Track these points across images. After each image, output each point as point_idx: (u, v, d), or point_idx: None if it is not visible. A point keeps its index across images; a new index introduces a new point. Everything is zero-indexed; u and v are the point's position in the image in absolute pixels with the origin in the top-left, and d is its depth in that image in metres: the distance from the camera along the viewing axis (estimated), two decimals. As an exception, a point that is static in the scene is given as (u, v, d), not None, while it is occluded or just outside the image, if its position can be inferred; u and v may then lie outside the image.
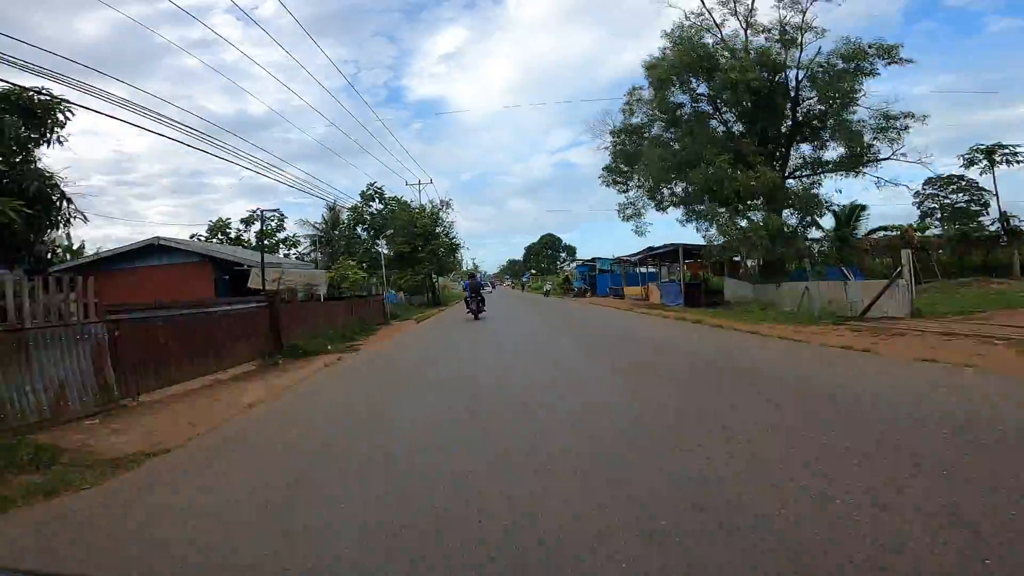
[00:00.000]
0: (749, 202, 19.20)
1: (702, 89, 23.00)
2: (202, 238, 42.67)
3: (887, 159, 20.75)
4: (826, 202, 20.34)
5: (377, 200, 48.23)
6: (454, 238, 39.36)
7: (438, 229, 37.53)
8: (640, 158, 25.51)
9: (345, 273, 17.02)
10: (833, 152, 21.62)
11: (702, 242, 21.44)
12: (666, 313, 17.68)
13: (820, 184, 20.87)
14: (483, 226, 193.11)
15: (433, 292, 39.64)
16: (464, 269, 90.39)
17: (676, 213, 24.35)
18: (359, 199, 46.39)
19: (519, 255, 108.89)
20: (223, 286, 18.96)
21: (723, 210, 18.12)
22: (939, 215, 42.71)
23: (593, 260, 36.51)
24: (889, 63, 19.96)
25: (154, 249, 19.36)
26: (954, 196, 47.92)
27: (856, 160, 20.76)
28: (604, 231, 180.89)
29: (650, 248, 23.43)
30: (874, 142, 20.58)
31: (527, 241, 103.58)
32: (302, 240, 47.45)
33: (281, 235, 46.45)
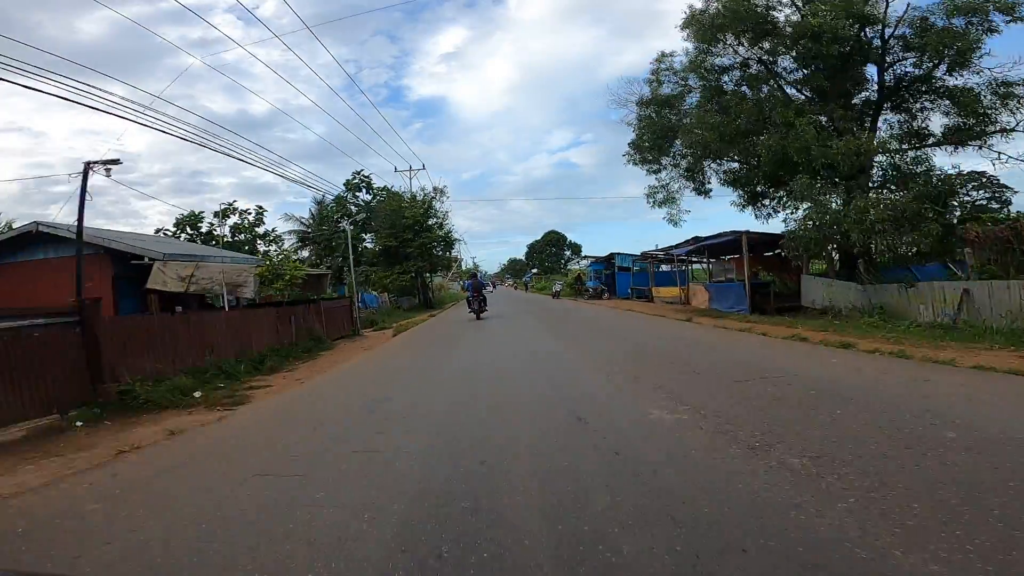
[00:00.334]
0: (848, 181, 14.26)
1: (749, 53, 18.25)
2: (168, 233, 37.54)
3: (1013, 130, 15.84)
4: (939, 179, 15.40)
5: (365, 190, 43.26)
6: (449, 232, 34.14)
7: (431, 221, 32.39)
8: (674, 133, 20.82)
9: (279, 269, 11.71)
10: (935, 123, 16.79)
11: (764, 229, 16.48)
12: (744, 324, 12.52)
13: (930, 161, 15.94)
14: (483, 226, 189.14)
15: (424, 293, 34.38)
16: (464, 268, 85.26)
17: (723, 198, 19.37)
18: (343, 189, 41.46)
19: (519, 254, 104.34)
20: (126, 284, 13.99)
21: (819, 184, 13.11)
22: (958, 212, 38.46)
23: (610, 256, 31.24)
24: (1011, 21, 15.18)
25: (36, 238, 14.34)
26: (974, 193, 43.56)
27: (971, 132, 15.84)
28: (606, 232, 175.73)
29: (697, 238, 18.37)
30: (991, 111, 15.78)
31: (527, 241, 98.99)
32: (286, 237, 42.14)
33: (260, 229, 41.27)
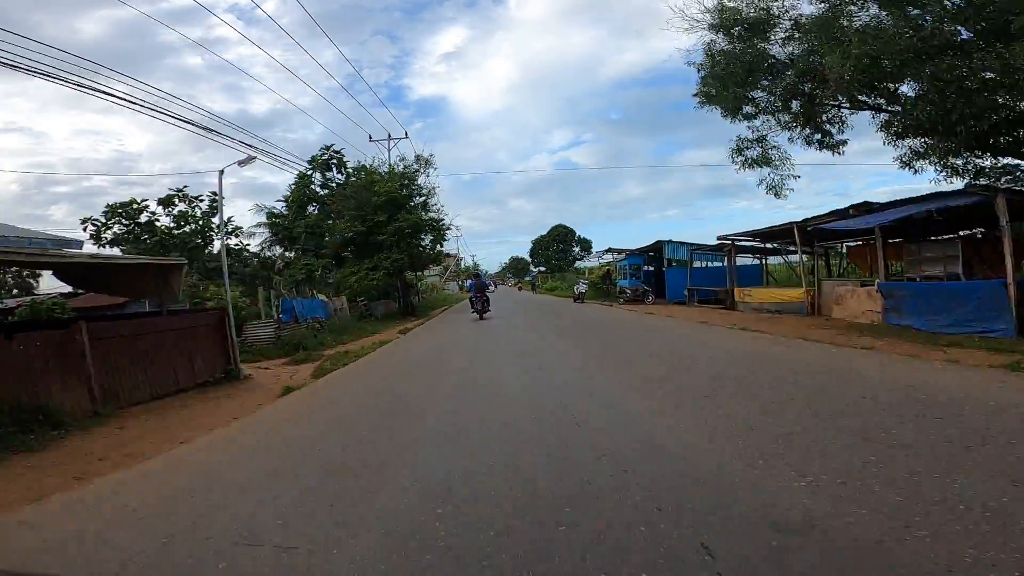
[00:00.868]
0: None
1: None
2: (97, 224, 29.31)
3: None
4: None
5: (335, 169, 35.22)
6: (440, 220, 25.60)
7: (414, 202, 24.36)
8: (775, 63, 13.47)
9: None
10: None
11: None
12: None
13: None
14: (483, 225, 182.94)
15: (405, 296, 26.31)
16: (463, 267, 77.25)
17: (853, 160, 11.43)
18: (308, 166, 33.34)
19: (520, 252, 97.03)
20: None
21: None
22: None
23: (655, 247, 23.00)
24: None
25: None
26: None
27: None
28: (608, 233, 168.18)
29: (867, 203, 10.53)
30: None
31: (527, 240, 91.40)
32: (258, 231, 33.82)
33: (215, 220, 32.87)
